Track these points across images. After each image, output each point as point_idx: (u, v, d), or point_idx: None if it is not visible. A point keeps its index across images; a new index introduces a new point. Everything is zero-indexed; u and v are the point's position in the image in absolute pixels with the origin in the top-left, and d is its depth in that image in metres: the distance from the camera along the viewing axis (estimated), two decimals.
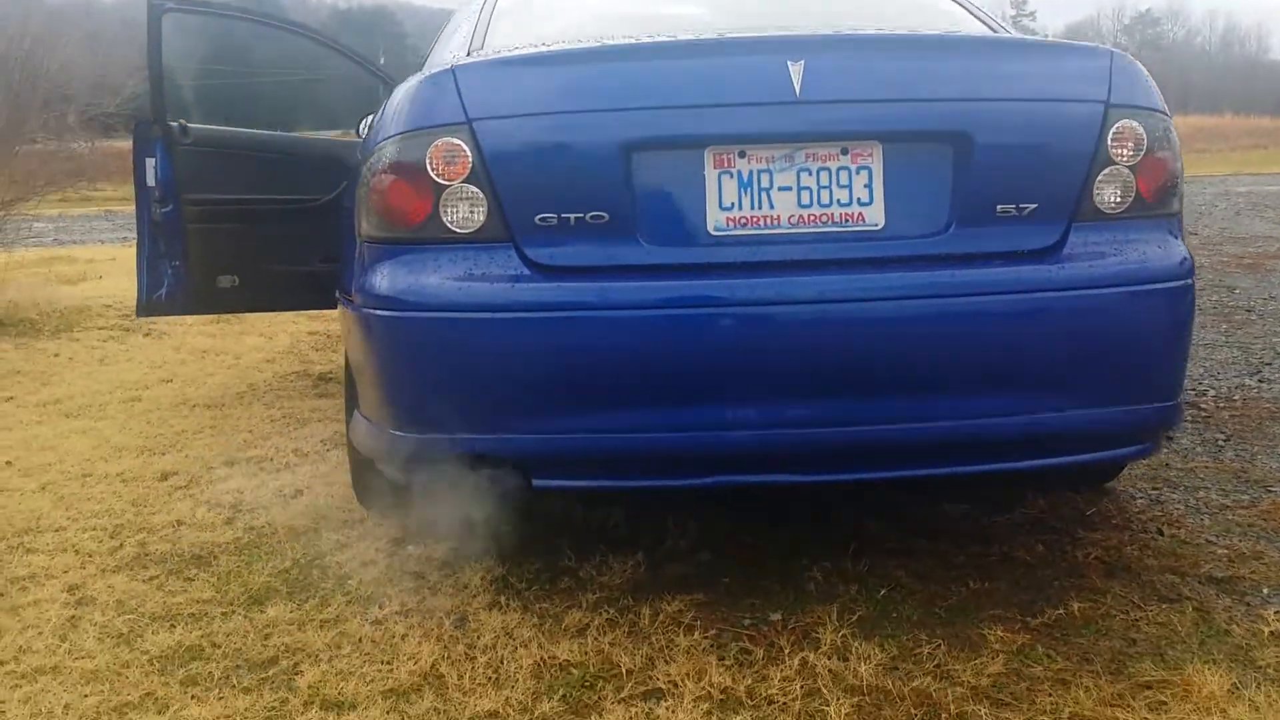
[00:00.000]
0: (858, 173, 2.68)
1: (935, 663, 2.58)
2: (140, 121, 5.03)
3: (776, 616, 2.82)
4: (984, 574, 3.04)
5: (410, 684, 2.53)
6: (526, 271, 2.67)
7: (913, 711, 2.38)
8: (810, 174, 2.68)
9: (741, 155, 2.67)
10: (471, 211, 2.68)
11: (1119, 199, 2.74)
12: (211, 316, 7.28)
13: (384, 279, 2.76)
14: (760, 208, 2.68)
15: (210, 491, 3.87)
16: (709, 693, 2.47)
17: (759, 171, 2.68)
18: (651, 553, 3.18)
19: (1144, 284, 2.71)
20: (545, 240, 2.67)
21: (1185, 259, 2.77)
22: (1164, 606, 2.84)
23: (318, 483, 3.92)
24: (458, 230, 2.70)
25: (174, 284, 5.08)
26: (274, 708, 2.44)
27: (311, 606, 2.93)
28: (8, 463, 4.26)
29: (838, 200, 2.68)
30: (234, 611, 2.91)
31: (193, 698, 2.48)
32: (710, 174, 2.67)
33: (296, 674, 2.58)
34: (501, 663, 2.61)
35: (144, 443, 4.52)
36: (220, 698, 2.48)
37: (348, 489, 3.75)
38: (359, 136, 5.91)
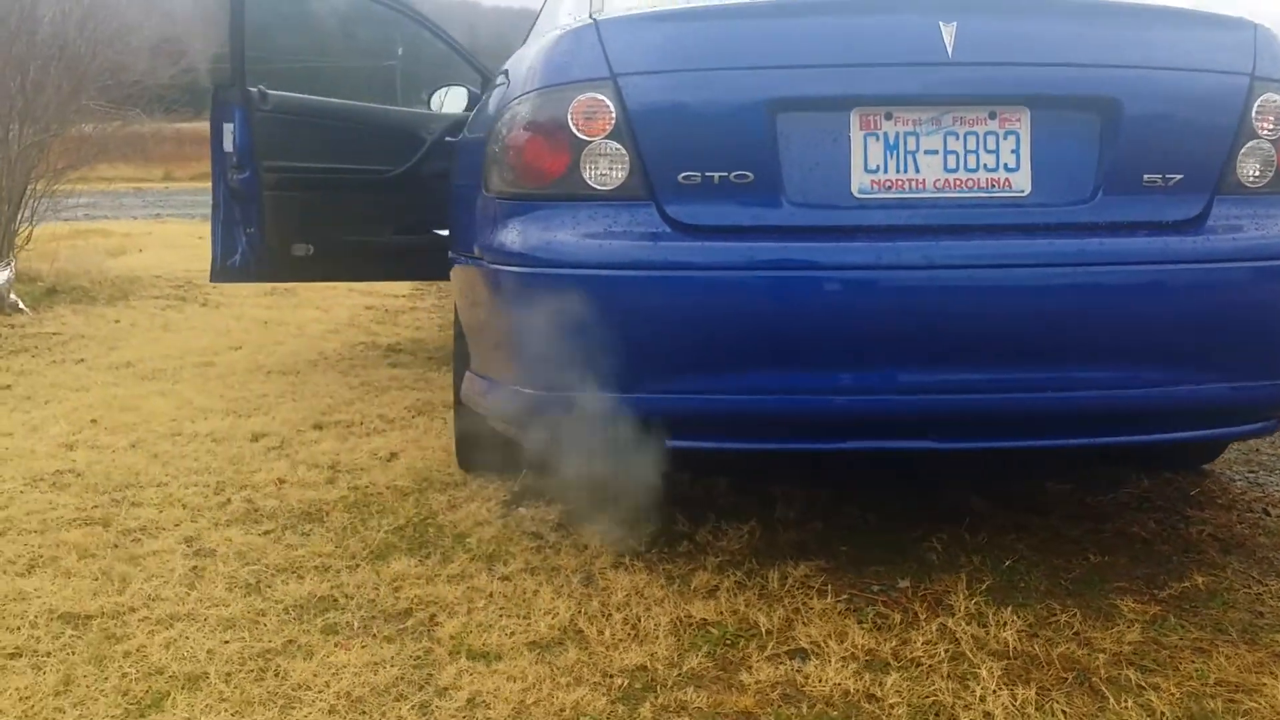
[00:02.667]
0: (1005, 137, 2.66)
1: (1073, 630, 2.57)
2: (219, 85, 5.02)
3: (905, 583, 2.81)
4: (1102, 549, 3.03)
5: (551, 637, 2.52)
6: (668, 230, 2.65)
7: (1062, 675, 2.37)
8: (957, 138, 2.66)
9: (888, 117, 2.66)
10: (612, 168, 2.67)
11: (1259, 173, 2.72)
12: (265, 288, 7.28)
13: (519, 235, 2.74)
14: (905, 171, 2.66)
15: (305, 452, 3.86)
16: (854, 653, 2.46)
17: (905, 134, 2.66)
18: (764, 520, 3.16)
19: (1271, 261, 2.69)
20: (687, 199, 2.66)
21: None
22: None
23: (410, 447, 3.91)
24: (598, 187, 2.68)
25: (248, 251, 5.07)
26: (419, 656, 2.43)
27: (435, 562, 2.92)
28: (93, 420, 4.26)
29: (984, 165, 2.67)
30: (358, 565, 2.90)
31: (336, 645, 2.48)
32: (856, 135, 2.66)
33: (435, 625, 2.57)
34: (639, 620, 2.60)
35: (227, 405, 4.52)
36: (364, 646, 2.47)
37: (444, 454, 3.75)
38: (429, 109, 5.92)
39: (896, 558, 2.96)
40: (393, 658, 2.42)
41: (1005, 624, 2.57)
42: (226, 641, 2.49)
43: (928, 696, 2.28)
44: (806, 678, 2.36)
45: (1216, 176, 2.70)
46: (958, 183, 2.66)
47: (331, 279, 5.91)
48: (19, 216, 7.51)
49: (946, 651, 2.46)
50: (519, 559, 2.93)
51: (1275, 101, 2.72)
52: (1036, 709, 2.24)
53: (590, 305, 2.67)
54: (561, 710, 2.22)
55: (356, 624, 2.59)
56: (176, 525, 3.18)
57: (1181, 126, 2.70)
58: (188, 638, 2.51)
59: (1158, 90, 2.68)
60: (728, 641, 2.52)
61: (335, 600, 2.71)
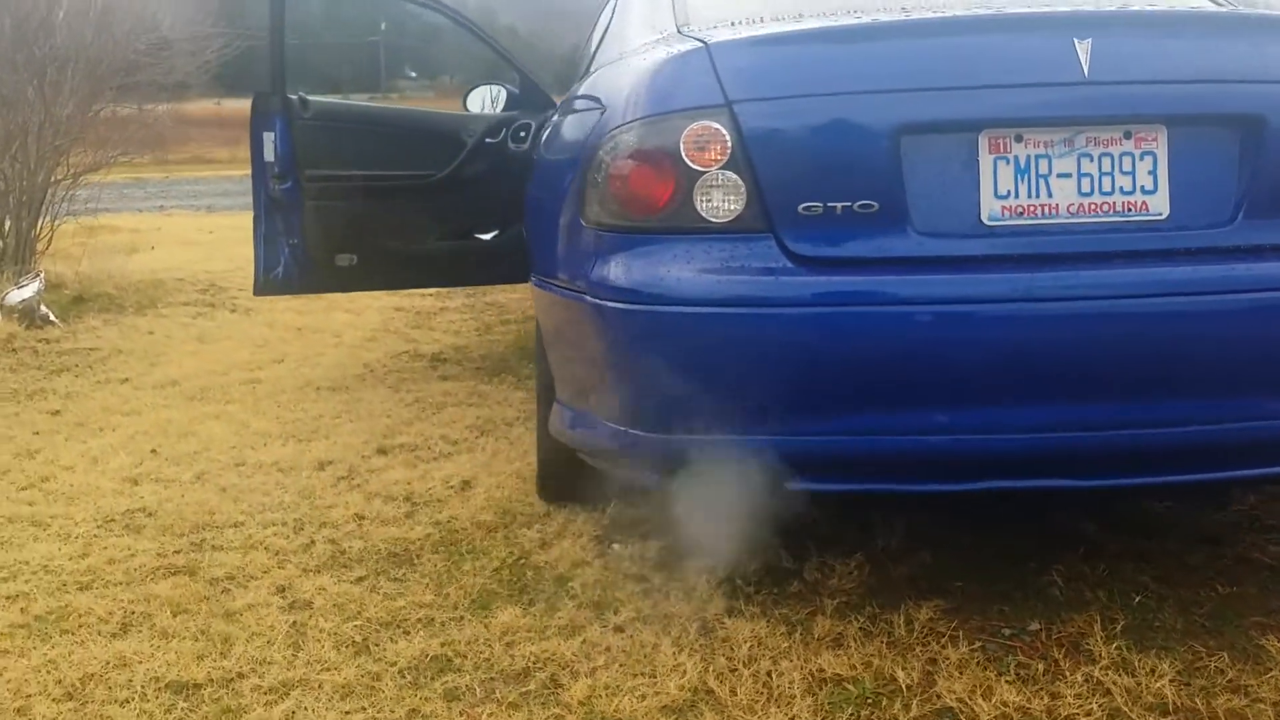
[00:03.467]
0: (1141, 158, 2.53)
1: (1227, 678, 2.45)
2: (259, 93, 4.87)
3: (1036, 625, 2.69)
4: (1227, 577, 2.91)
5: (683, 699, 2.41)
6: (789, 264, 2.52)
7: None
8: (1091, 160, 2.53)
9: (1018, 139, 2.53)
10: (728, 199, 2.54)
11: None
12: None
13: (627, 270, 2.61)
14: (1038, 196, 2.53)
15: (376, 482, 3.74)
16: (1006, 713, 2.34)
17: (1036, 157, 2.53)
18: (869, 554, 3.04)
19: None
20: (808, 231, 2.53)
21: None
22: None
23: (482, 473, 3.78)
24: (712, 220, 2.55)
25: (291, 263, 4.93)
26: None
27: (541, 611, 2.80)
28: (153, 451, 4.13)
29: (1120, 188, 2.54)
30: (463, 617, 2.78)
31: (461, 714, 2.36)
32: (985, 159, 2.52)
33: (559, 687, 2.46)
34: (769, 676, 2.49)
35: (285, 429, 4.39)
36: (490, 715, 2.35)
37: (519, 480, 3.63)
38: (465, 110, 5.78)
39: (1016, 593, 2.85)
40: None
41: (1153, 671, 2.46)
42: (348, 713, 2.37)
43: None
44: None
45: None
46: (1092, 207, 2.53)
47: (375, 288, 5.77)
48: (39, 223, 7.35)
49: (1102, 708, 2.35)
50: (628, 606, 2.81)
51: None
52: None
53: (704, 344, 2.55)
54: None
55: (478, 688, 2.47)
56: (265, 573, 3.06)
57: None
58: (306, 708, 2.39)
59: None
60: (869, 700, 2.41)
61: (450, 660, 2.59)
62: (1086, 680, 2.45)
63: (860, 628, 2.69)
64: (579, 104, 3.19)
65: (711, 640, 2.65)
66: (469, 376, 5.12)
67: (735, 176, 2.53)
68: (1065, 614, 2.74)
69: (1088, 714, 2.33)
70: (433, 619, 2.78)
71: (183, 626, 2.75)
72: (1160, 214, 2.53)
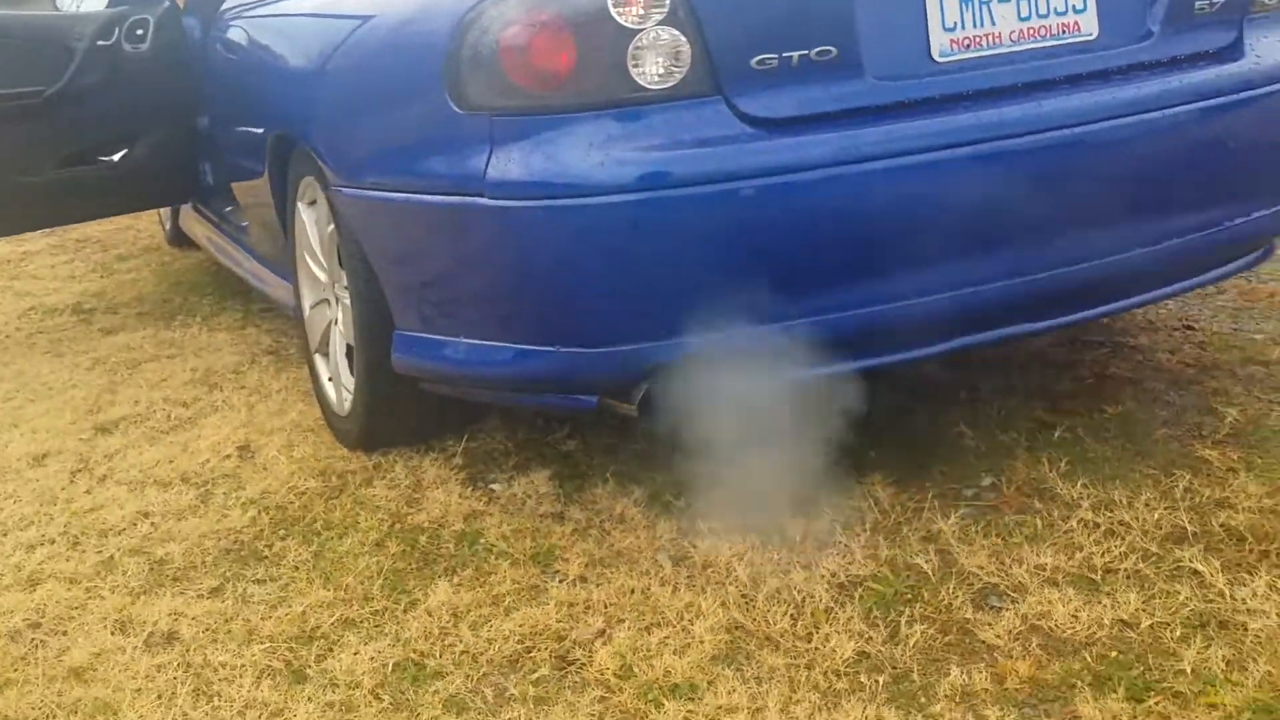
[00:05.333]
0: None
1: (1205, 494, 2.46)
2: None
3: (988, 481, 2.60)
4: (1103, 399, 2.93)
5: (726, 642, 2.09)
6: (747, 129, 2.18)
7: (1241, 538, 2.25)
8: None
9: None
10: (671, 60, 2.14)
11: None
12: None
13: (546, 158, 2.19)
14: (982, 25, 2.34)
15: (125, 469, 3.02)
16: (1048, 576, 2.20)
17: None
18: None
19: None
20: (761, 88, 2.19)
21: None
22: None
23: (254, 434, 3.15)
24: (650, 86, 2.15)
25: None
26: (608, 708, 1.91)
27: (474, 579, 2.37)
28: None
29: (1054, 9, 2.38)
30: (389, 608, 2.30)
31: None
32: None
33: (576, 665, 2.07)
34: (791, 594, 2.21)
35: None
36: (529, 718, 1.91)
37: (308, 433, 3.09)
38: (57, 8, 4.81)
39: (940, 454, 2.71)
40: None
41: (1133, 503, 2.42)
42: None
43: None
44: (1054, 614, 2.08)
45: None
46: (1031, 31, 2.38)
47: None
48: None
49: (1130, 548, 2.28)
50: (573, 551, 2.42)
51: None
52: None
53: (660, 235, 2.17)
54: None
55: (484, 691, 2.02)
56: (79, 610, 2.36)
57: None
58: None
59: None
60: (909, 595, 2.23)
61: (421, 664, 2.10)
62: (1087, 525, 2.37)
63: (831, 520, 2.45)
64: None
65: (697, 570, 2.33)
66: (139, 325, 4.29)
67: (676, 32, 2.13)
68: (1004, 463, 2.64)
69: (1122, 558, 2.24)
70: (354, 619, 2.25)
71: (29, 711, 2.04)
72: (1091, 34, 2.42)
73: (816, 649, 2.06)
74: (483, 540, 2.49)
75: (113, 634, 2.26)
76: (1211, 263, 2.64)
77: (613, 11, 2.12)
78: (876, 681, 1.97)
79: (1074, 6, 2.39)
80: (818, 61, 2.20)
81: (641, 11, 2.12)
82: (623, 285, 2.20)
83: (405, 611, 2.26)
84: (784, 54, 2.18)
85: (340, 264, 2.86)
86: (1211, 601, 2.10)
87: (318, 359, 3.16)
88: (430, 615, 2.23)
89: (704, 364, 2.23)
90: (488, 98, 2.23)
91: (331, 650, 2.15)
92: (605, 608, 2.22)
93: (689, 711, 1.92)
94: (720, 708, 1.92)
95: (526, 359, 2.31)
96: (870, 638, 2.08)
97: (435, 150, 2.35)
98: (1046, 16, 2.37)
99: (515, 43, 2.17)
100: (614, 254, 2.19)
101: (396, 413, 2.82)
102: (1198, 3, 2.48)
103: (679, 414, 2.27)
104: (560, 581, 2.31)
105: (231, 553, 2.54)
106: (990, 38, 2.33)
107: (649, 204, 2.14)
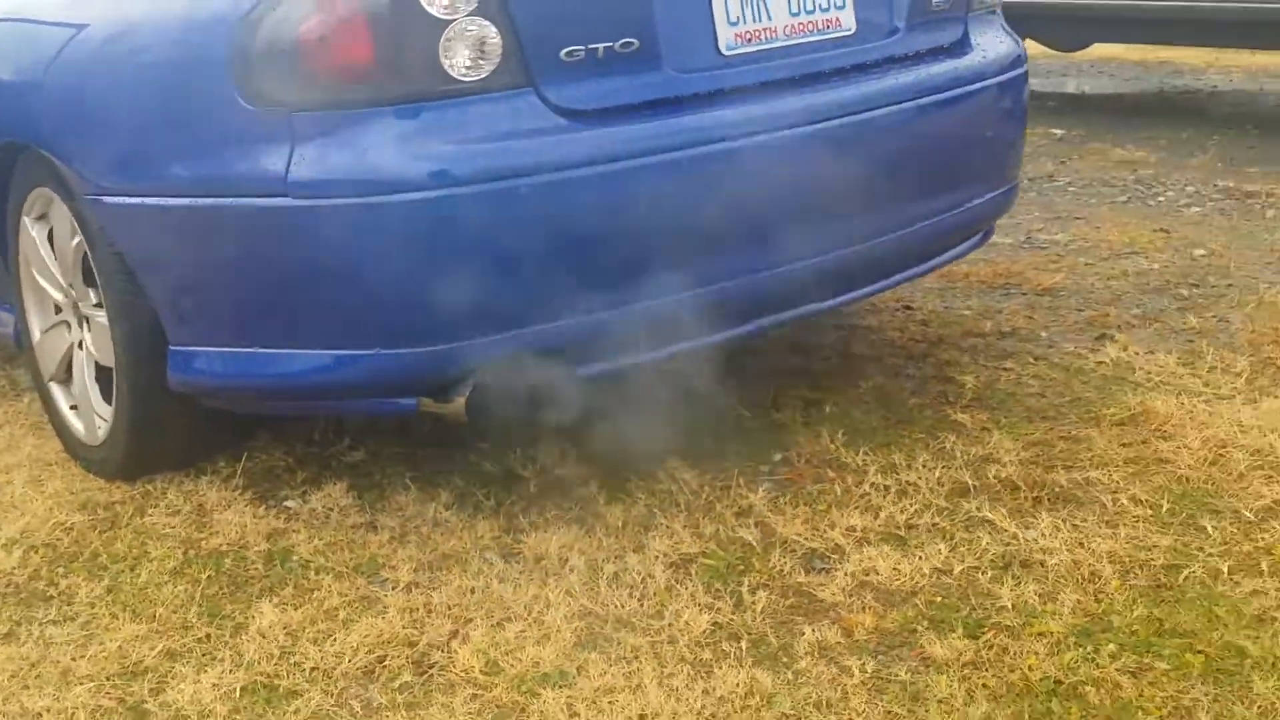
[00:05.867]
0: None
1: (978, 450, 2.68)
2: None
3: (778, 456, 2.74)
4: (847, 376, 3.13)
5: (585, 629, 2.11)
6: (559, 121, 2.21)
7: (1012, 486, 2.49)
8: None
9: None
10: (482, 52, 2.15)
11: None
12: None
13: (355, 155, 2.15)
14: (760, 20, 2.48)
15: None
16: (862, 536, 2.36)
17: None
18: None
19: (1018, 69, 2.93)
20: (571, 79, 2.23)
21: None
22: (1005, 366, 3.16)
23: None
24: (463, 79, 2.15)
25: None
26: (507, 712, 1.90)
27: (298, 598, 2.25)
28: None
29: (819, 5, 2.55)
30: (228, 639, 2.15)
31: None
32: None
33: (435, 668, 2.01)
34: (631, 575, 2.26)
35: None
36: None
37: (52, 466, 2.87)
38: None
39: (722, 434, 2.82)
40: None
41: (912, 465, 2.62)
42: None
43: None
44: (879, 569, 2.22)
45: None
46: (801, 27, 2.53)
47: None
48: None
49: (926, 507, 2.47)
50: (397, 558, 2.36)
51: None
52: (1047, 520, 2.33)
53: (480, 229, 2.18)
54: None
55: (353, 704, 1.94)
56: None
57: None
58: None
59: None
60: (740, 566, 2.32)
61: (274, 686, 2.00)
62: (879, 489, 2.54)
63: (646, 505, 2.51)
64: None
65: (531, 564, 2.33)
66: None
67: (487, 23, 2.13)
68: (788, 439, 2.79)
69: (919, 514, 2.42)
70: (178, 649, 2.12)
71: None
72: (850, 29, 2.59)
73: (671, 625, 2.11)
74: (295, 557, 2.38)
75: None
76: (950, 244, 2.88)
77: (423, 2, 2.09)
78: (739, 647, 2.04)
79: (835, 4, 2.56)
80: (622, 54, 2.26)
81: (452, 2, 2.10)
82: (441, 282, 2.16)
83: (234, 635, 2.13)
84: (590, 46, 2.22)
85: (88, 281, 2.66)
86: (1009, 544, 2.30)
87: (55, 388, 2.92)
88: (264, 636, 2.12)
89: (523, 358, 2.23)
90: (287, 93, 2.15)
91: (166, 682, 2.01)
92: (449, 609, 2.18)
93: (569, 697, 1.92)
94: (598, 689, 1.94)
95: (345, 364, 2.24)
96: (718, 609, 2.15)
97: (224, 151, 2.23)
98: (813, 12, 2.53)
99: (317, 35, 2.11)
100: (429, 251, 2.16)
101: (166, 436, 2.65)
102: (935, 1, 2.70)
103: (501, 410, 2.26)
104: (393, 589, 2.25)
105: (10, 596, 2.32)
106: (768, 32, 2.46)
107: (463, 198, 2.13)
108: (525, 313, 2.22)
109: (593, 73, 2.24)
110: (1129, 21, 6.13)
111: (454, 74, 2.13)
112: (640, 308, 2.32)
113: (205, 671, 2.03)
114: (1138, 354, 3.14)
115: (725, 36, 2.40)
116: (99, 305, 2.66)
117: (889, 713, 1.88)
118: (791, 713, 1.88)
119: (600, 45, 2.23)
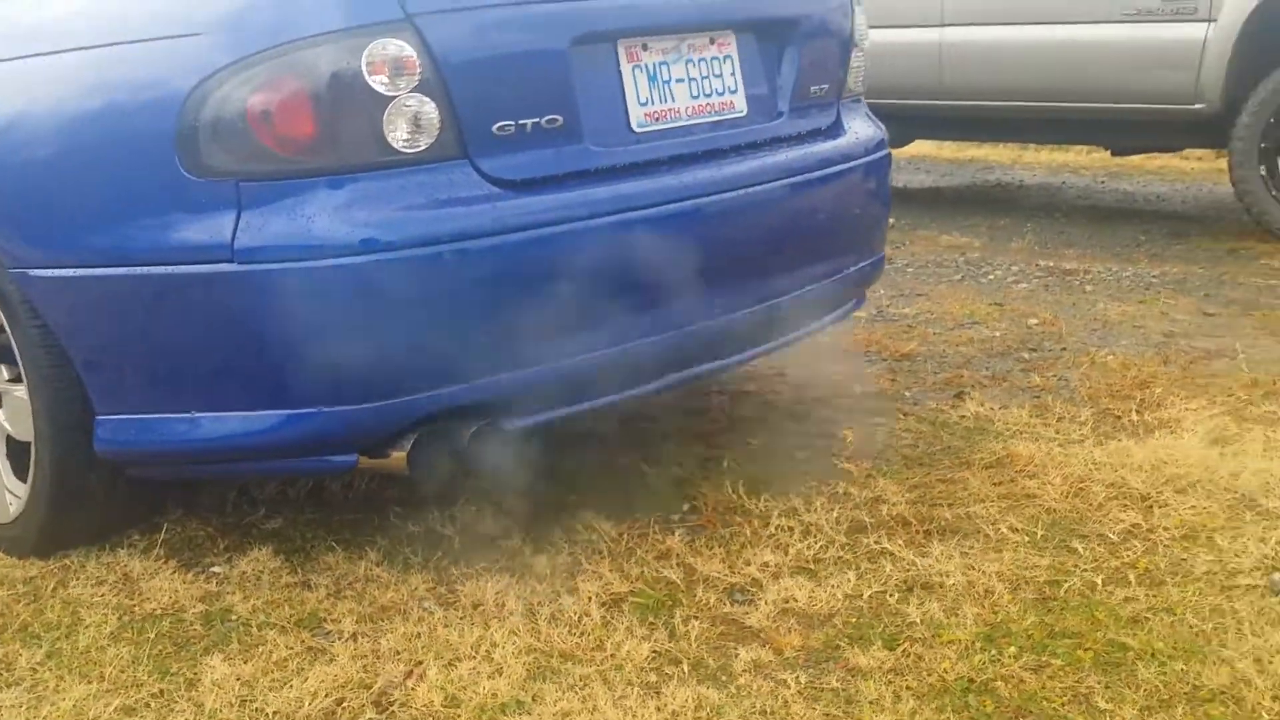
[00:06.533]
0: (724, 61, 2.83)
1: (859, 495, 2.92)
2: None
3: (686, 507, 2.90)
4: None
5: (539, 663, 2.23)
6: (492, 189, 2.40)
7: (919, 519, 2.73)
8: (694, 64, 2.76)
9: (645, 48, 2.67)
10: (422, 126, 2.32)
11: (860, 80, 3.22)
12: None
13: (306, 222, 2.27)
14: (666, 101, 2.71)
15: None
16: (775, 571, 2.55)
17: (659, 64, 2.70)
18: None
19: (883, 150, 3.24)
20: (502, 151, 2.42)
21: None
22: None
23: None
24: (405, 150, 2.32)
25: None
26: None
27: (243, 652, 2.31)
28: None
29: (715, 90, 2.81)
30: (177, 698, 2.19)
31: None
32: (626, 68, 2.63)
33: (394, 711, 2.11)
34: (568, 615, 2.39)
35: None
36: None
37: None
38: None
39: (605, 486, 2.99)
40: None
41: (811, 508, 2.82)
42: None
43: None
44: (797, 597, 2.42)
45: (840, 86, 3.13)
46: (700, 109, 2.77)
47: None
48: None
49: (822, 540, 2.66)
50: (341, 613, 2.44)
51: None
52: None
53: (420, 289, 2.34)
54: None
55: None
56: None
57: (831, 41, 3.06)
58: None
59: (823, 9, 3.00)
60: (669, 602, 2.48)
61: None
62: (785, 530, 2.74)
63: (570, 553, 2.66)
64: (97, 35, 2.48)
65: (469, 610, 2.45)
66: None
67: (427, 99, 2.31)
68: (693, 491, 2.97)
69: (824, 549, 2.63)
70: (134, 704, 2.16)
71: None
72: (742, 111, 2.85)
73: (614, 655, 2.25)
74: (234, 616, 2.44)
75: None
76: (831, 307, 3.14)
77: (368, 79, 2.25)
78: (681, 670, 2.20)
79: (729, 88, 2.81)
80: (547, 129, 2.45)
81: (395, 79, 2.26)
82: (381, 341, 2.29)
83: (188, 689, 2.19)
84: (520, 121, 2.41)
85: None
86: (909, 570, 2.52)
87: None
88: (220, 687, 2.18)
89: (460, 413, 2.37)
90: (234, 164, 2.27)
91: None
92: (398, 654, 2.27)
93: (535, 717, 2.04)
94: (556, 713, 2.06)
95: (290, 424, 2.33)
96: (656, 638, 2.30)
97: (167, 221, 2.33)
98: (710, 96, 2.77)
99: (265, 108, 2.24)
100: (372, 312, 2.29)
101: (87, 507, 2.68)
102: (813, 88, 2.99)
103: (441, 463, 2.39)
104: (338, 639, 2.33)
105: None
106: (672, 112, 2.69)
107: (404, 262, 2.27)
108: (461, 370, 2.36)
109: (521, 145, 2.42)
110: (949, 121, 6.63)
111: (395, 145, 2.29)
112: (565, 364, 2.48)
113: None
114: (993, 409, 3.43)
115: (636, 115, 2.62)
116: (13, 380, 2.68)
117: (827, 714, 2.06)
118: None
119: (529, 120, 2.42)
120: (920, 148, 8.37)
